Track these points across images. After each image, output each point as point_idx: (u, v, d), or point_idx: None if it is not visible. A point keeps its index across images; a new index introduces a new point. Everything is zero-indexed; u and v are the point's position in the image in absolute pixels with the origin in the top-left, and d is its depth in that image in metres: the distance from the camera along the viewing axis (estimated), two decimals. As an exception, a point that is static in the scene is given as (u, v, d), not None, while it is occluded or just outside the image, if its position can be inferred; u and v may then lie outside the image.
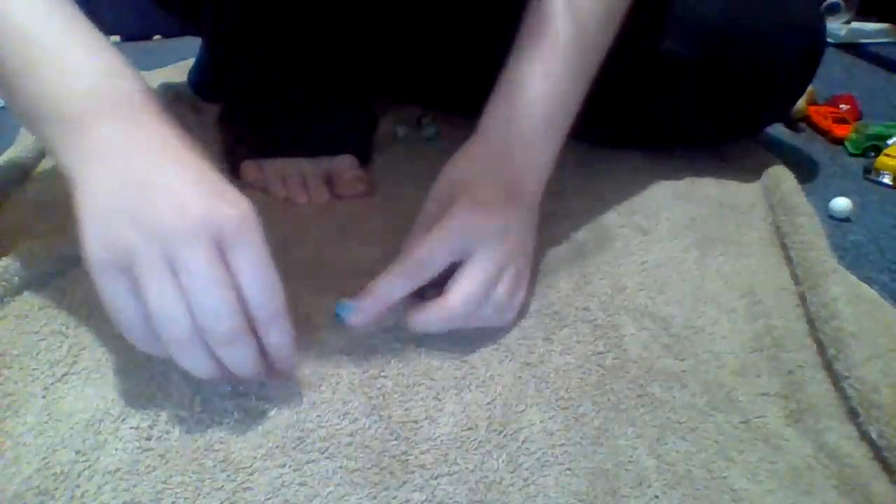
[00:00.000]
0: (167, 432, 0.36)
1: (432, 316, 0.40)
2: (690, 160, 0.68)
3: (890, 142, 0.69)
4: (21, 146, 0.65)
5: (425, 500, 0.33)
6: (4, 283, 0.45)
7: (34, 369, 0.40)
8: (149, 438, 0.36)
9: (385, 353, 0.42)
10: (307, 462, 0.35)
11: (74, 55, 0.35)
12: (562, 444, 0.36)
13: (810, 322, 0.45)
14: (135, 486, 0.33)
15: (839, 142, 0.75)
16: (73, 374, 0.40)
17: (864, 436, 0.37)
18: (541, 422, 0.37)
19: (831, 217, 0.60)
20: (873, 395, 0.37)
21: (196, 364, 0.33)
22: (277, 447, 0.36)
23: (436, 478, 0.34)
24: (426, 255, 0.41)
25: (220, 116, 0.71)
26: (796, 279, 0.49)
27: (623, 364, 0.42)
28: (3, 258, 0.47)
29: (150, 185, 0.32)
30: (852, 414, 0.38)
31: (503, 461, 0.35)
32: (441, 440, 0.36)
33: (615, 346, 0.43)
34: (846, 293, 0.44)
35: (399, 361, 0.41)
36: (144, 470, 0.34)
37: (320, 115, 0.65)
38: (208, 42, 0.80)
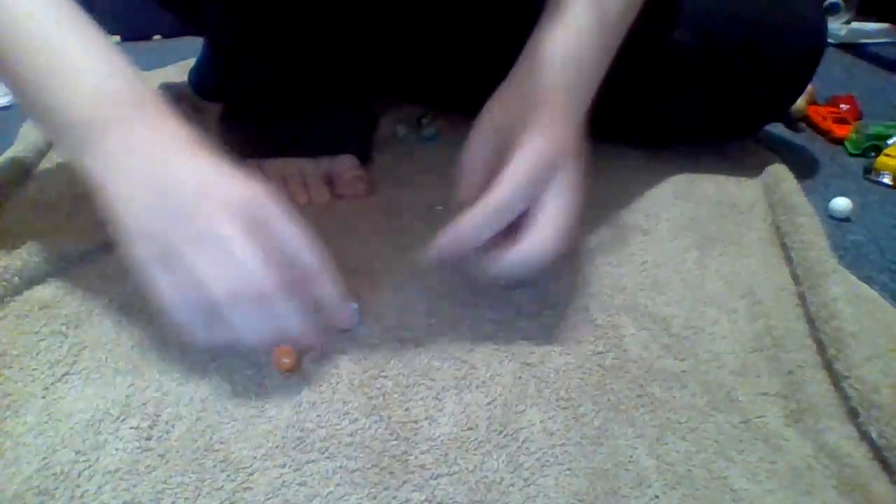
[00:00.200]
0: (167, 432, 0.36)
1: (526, 256, 0.39)
2: (690, 160, 0.68)
3: (890, 142, 0.69)
4: (21, 146, 0.65)
5: (425, 500, 0.33)
6: (4, 283, 0.45)
7: (34, 369, 0.40)
8: (149, 438, 0.36)
9: (385, 353, 0.42)
10: (307, 462, 0.35)
11: (86, 60, 0.36)
12: (562, 444, 0.36)
13: (810, 322, 0.45)
14: (135, 486, 0.33)
15: (839, 142, 0.75)
16: (73, 374, 0.40)
17: (864, 436, 0.37)
18: (541, 422, 0.37)
19: (831, 217, 0.59)
20: (873, 395, 0.37)
21: (252, 324, 0.34)
22: (277, 447, 0.36)
23: (436, 478, 0.34)
24: (509, 197, 0.39)
25: (220, 116, 0.71)
26: (796, 279, 0.49)
27: (623, 364, 0.42)
28: (3, 258, 0.47)
29: (175, 179, 0.35)
30: (852, 414, 0.38)
31: (503, 461, 0.35)
32: (441, 440, 0.36)
33: (615, 346, 0.43)
34: (846, 293, 0.44)
35: (399, 361, 0.41)
36: (144, 470, 0.34)
37: (321, 115, 0.65)
38: (209, 42, 0.80)
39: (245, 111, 0.68)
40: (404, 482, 0.34)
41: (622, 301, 0.47)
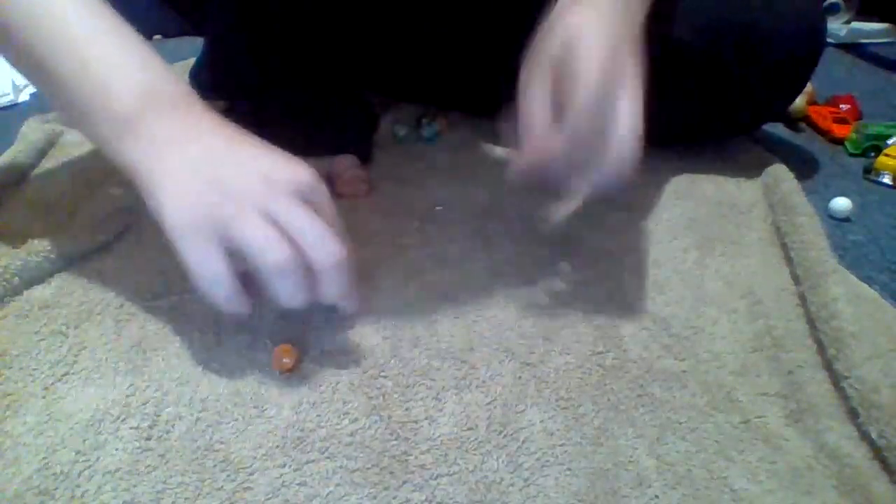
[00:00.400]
0: (167, 432, 0.36)
1: (616, 162, 0.40)
2: (690, 160, 0.68)
3: (890, 142, 0.69)
4: (21, 146, 0.65)
5: (425, 500, 0.33)
6: (4, 283, 0.45)
7: (34, 369, 0.40)
8: (149, 438, 0.36)
9: (385, 353, 0.42)
10: (307, 462, 0.35)
11: (125, 59, 0.38)
12: (562, 444, 0.36)
13: (810, 322, 0.45)
14: (135, 486, 0.33)
15: (839, 142, 0.75)
16: (73, 374, 0.40)
17: (864, 436, 0.37)
18: (541, 422, 0.37)
19: (831, 217, 0.59)
20: (873, 395, 0.37)
21: (294, 292, 0.36)
22: (277, 447, 0.36)
23: (436, 478, 0.34)
24: (592, 99, 0.40)
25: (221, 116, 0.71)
26: (796, 279, 0.49)
27: (623, 364, 0.42)
28: (3, 258, 0.47)
29: (226, 158, 0.36)
30: (852, 414, 0.38)
31: (503, 461, 0.35)
32: (441, 440, 0.36)
33: (615, 346, 0.43)
34: (846, 293, 0.44)
35: (399, 361, 0.41)
36: (144, 470, 0.34)
37: (321, 114, 0.65)
38: (211, 40, 0.80)
39: (246, 111, 0.68)
40: (404, 482, 0.34)
41: (622, 301, 0.47)
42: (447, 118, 0.75)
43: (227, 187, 0.35)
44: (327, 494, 0.33)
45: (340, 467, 0.35)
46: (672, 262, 0.52)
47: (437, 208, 0.58)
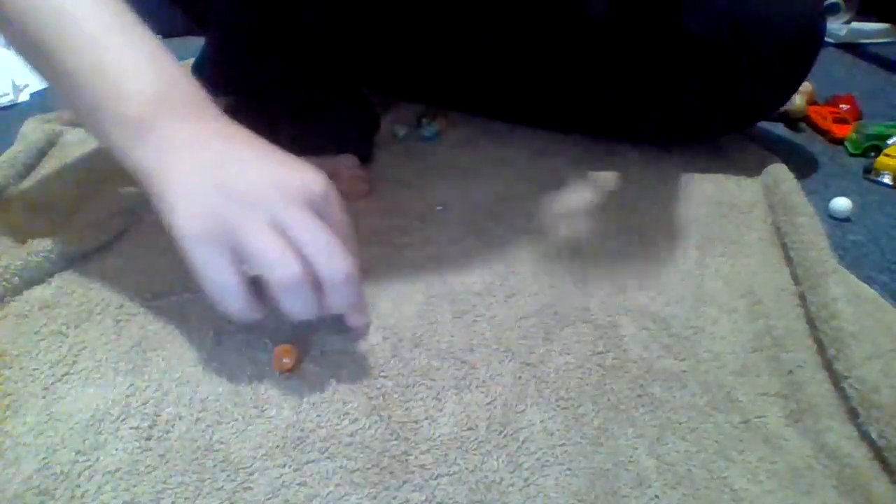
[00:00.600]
0: (167, 432, 0.36)
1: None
2: (690, 160, 0.68)
3: (890, 142, 0.69)
4: (21, 146, 0.65)
5: (425, 500, 0.33)
6: (4, 283, 0.45)
7: (34, 369, 0.40)
8: (149, 438, 0.36)
9: (385, 353, 0.42)
10: (307, 462, 0.35)
11: (138, 60, 0.37)
12: (562, 444, 0.36)
13: (810, 322, 0.45)
14: (135, 486, 0.33)
15: (839, 142, 0.75)
16: (73, 374, 0.40)
17: (864, 436, 0.37)
18: (541, 422, 0.37)
19: (831, 217, 0.59)
20: (873, 395, 0.37)
21: (303, 305, 0.36)
22: (277, 447, 0.36)
23: (436, 478, 0.34)
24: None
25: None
26: (796, 279, 0.49)
27: (623, 364, 0.42)
28: (3, 258, 0.47)
29: (237, 165, 0.36)
30: (852, 414, 0.38)
31: (503, 461, 0.35)
32: (441, 440, 0.36)
33: (615, 346, 0.43)
34: (846, 293, 0.44)
35: (399, 361, 0.41)
36: (144, 470, 0.34)
37: (322, 114, 0.65)
38: (213, 37, 0.80)
39: (246, 110, 0.68)
40: (404, 482, 0.34)
41: (622, 301, 0.47)
42: (447, 118, 0.75)
43: (237, 194, 0.34)
44: (327, 494, 0.33)
45: (340, 467, 0.35)
46: (672, 262, 0.52)
47: (437, 208, 0.58)
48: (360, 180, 0.63)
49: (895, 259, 0.54)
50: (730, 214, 0.59)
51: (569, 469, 0.35)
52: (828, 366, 0.41)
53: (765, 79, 0.63)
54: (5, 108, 0.82)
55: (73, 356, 0.41)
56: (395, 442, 0.36)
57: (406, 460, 0.35)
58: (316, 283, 0.35)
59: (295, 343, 0.41)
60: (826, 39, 1.17)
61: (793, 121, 0.80)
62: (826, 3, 1.16)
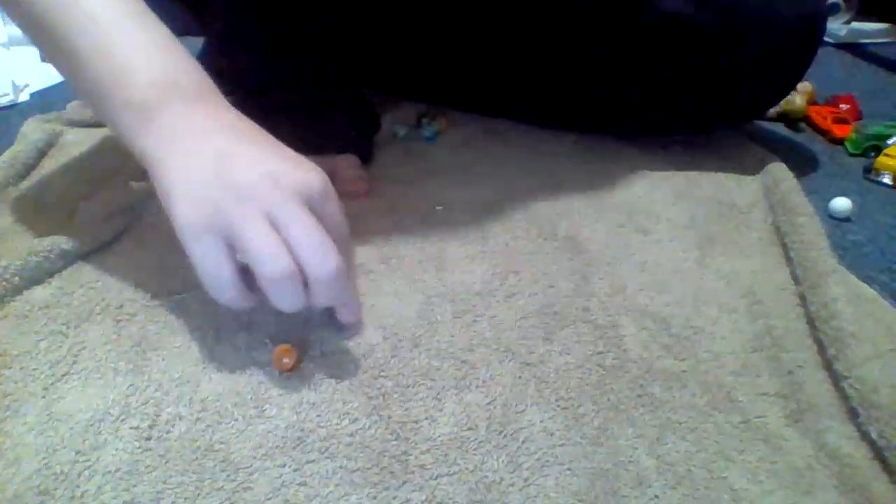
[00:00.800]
0: (167, 432, 0.36)
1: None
2: (690, 160, 0.68)
3: (890, 142, 0.69)
4: (21, 146, 0.65)
5: (425, 500, 0.33)
6: (4, 283, 0.45)
7: (34, 369, 0.40)
8: (149, 438, 0.36)
9: (385, 353, 0.42)
10: (307, 462, 0.35)
11: (147, 45, 0.38)
12: (562, 444, 0.36)
13: (810, 322, 0.45)
14: (135, 486, 0.33)
15: (839, 142, 0.75)
16: (73, 374, 0.40)
17: (864, 436, 0.37)
18: (541, 422, 0.37)
19: (831, 217, 0.59)
20: (873, 395, 0.37)
21: (291, 300, 0.36)
22: (277, 447, 0.36)
23: (436, 478, 0.34)
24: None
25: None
26: (796, 279, 0.49)
27: (623, 364, 0.42)
28: (3, 258, 0.47)
29: (238, 157, 0.36)
30: (852, 414, 0.38)
31: (503, 461, 0.35)
32: (441, 440, 0.36)
33: (615, 346, 0.43)
34: (846, 293, 0.44)
35: (399, 361, 0.41)
36: (144, 470, 0.34)
37: (323, 113, 0.65)
38: (213, 36, 0.79)
39: (247, 109, 0.68)
40: (404, 482, 0.34)
41: (622, 301, 0.47)
42: (447, 117, 0.75)
43: (235, 186, 0.35)
44: (327, 494, 0.33)
45: (340, 467, 0.35)
46: (672, 262, 0.52)
47: (437, 208, 0.58)
48: (360, 180, 0.63)
49: (895, 259, 0.54)
50: (730, 214, 0.59)
51: (569, 469, 0.35)
52: (828, 366, 0.41)
53: (764, 74, 0.63)
54: (5, 108, 0.82)
55: (73, 356, 0.41)
56: (395, 442, 0.36)
57: (406, 460, 0.35)
58: (304, 278, 0.36)
59: (295, 343, 0.41)
60: (826, 39, 1.17)
61: (793, 121, 0.80)
62: (826, 2, 1.16)
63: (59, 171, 0.64)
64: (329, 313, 0.43)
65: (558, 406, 0.39)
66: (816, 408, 0.39)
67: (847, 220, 0.59)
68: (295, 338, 0.43)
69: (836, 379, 0.40)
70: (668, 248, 0.54)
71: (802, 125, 0.80)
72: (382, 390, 0.39)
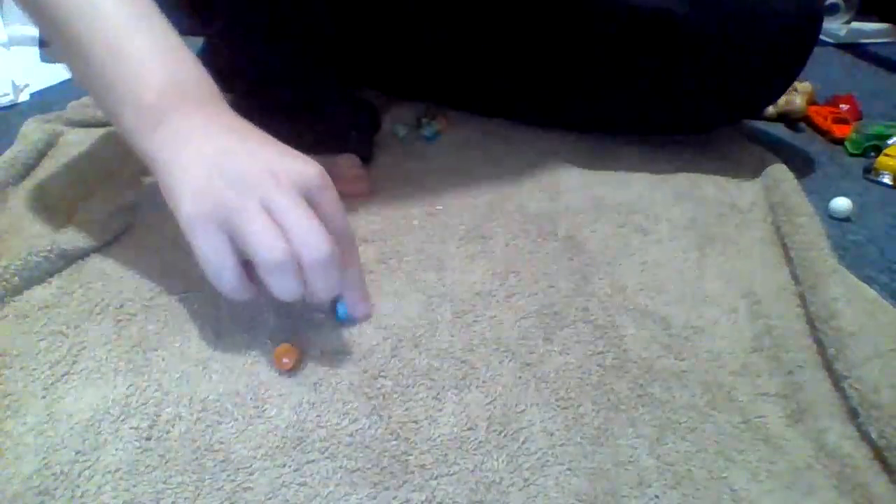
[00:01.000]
0: (167, 432, 0.36)
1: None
2: (690, 160, 0.68)
3: (890, 142, 0.69)
4: (21, 146, 0.65)
5: (425, 500, 0.33)
6: (4, 283, 0.45)
7: (34, 369, 0.40)
8: (149, 438, 0.36)
9: (385, 353, 0.42)
10: (307, 462, 0.35)
11: (156, 51, 0.39)
12: (562, 444, 0.36)
13: (810, 322, 0.45)
14: (135, 486, 0.33)
15: (839, 142, 0.75)
16: (73, 374, 0.40)
17: (864, 436, 0.37)
18: (541, 422, 0.37)
19: (831, 217, 0.59)
20: (873, 395, 0.37)
21: (288, 287, 0.37)
22: (277, 447, 0.36)
23: (436, 478, 0.34)
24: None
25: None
26: (796, 279, 0.49)
27: (623, 364, 0.42)
28: (3, 258, 0.47)
29: (237, 153, 0.37)
30: (852, 414, 0.38)
31: (503, 461, 0.35)
32: (441, 440, 0.36)
33: (615, 346, 0.43)
34: (846, 293, 0.44)
35: (399, 361, 0.41)
36: (144, 470, 0.34)
37: (323, 113, 0.65)
38: (216, 36, 0.79)
39: (247, 108, 0.68)
40: (404, 482, 0.34)
41: (622, 301, 0.47)
42: (447, 117, 0.75)
43: (234, 179, 0.36)
44: (327, 494, 0.33)
45: (340, 467, 0.35)
46: (672, 262, 0.52)
47: (437, 208, 0.58)
48: (360, 180, 0.63)
49: (895, 259, 0.54)
50: (730, 214, 0.59)
51: (569, 469, 0.35)
52: (828, 366, 0.41)
53: (761, 71, 0.63)
54: (5, 108, 0.82)
55: (73, 356, 0.41)
56: (395, 442, 0.36)
57: (406, 460, 0.35)
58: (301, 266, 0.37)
59: (295, 343, 0.41)
60: (826, 39, 1.17)
61: (793, 121, 0.80)
62: (826, 2, 1.16)
63: (59, 171, 0.64)
64: (332, 307, 0.44)
65: (558, 406, 0.39)
66: (816, 408, 0.39)
67: (847, 220, 0.59)
68: (295, 338, 0.43)
69: (836, 379, 0.40)
70: (668, 248, 0.54)
71: (802, 125, 0.80)
72: (382, 390, 0.39)
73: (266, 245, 0.35)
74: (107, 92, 0.39)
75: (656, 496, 0.33)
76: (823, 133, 0.77)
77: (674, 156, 0.69)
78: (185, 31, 0.43)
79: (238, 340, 0.42)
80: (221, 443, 0.36)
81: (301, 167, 0.38)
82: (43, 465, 0.34)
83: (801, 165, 0.69)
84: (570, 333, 0.44)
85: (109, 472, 0.34)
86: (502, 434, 0.37)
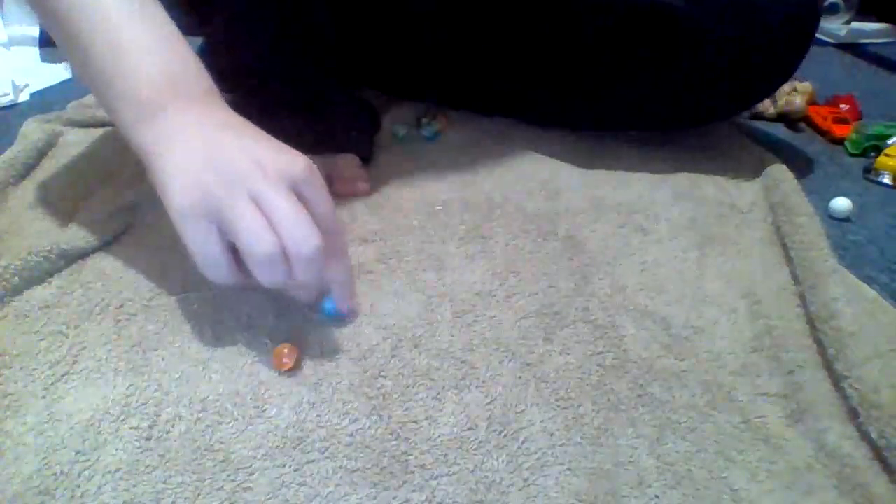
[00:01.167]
0: (167, 432, 0.36)
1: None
2: (690, 160, 0.68)
3: (890, 142, 0.69)
4: (21, 146, 0.65)
5: (425, 500, 0.33)
6: (4, 283, 0.45)
7: (34, 369, 0.40)
8: (149, 438, 0.36)
9: (385, 353, 0.42)
10: (307, 462, 0.35)
11: (154, 44, 0.40)
12: (562, 444, 0.36)
13: (810, 322, 0.45)
14: (135, 486, 0.33)
15: (839, 142, 0.75)
16: (73, 374, 0.40)
17: (864, 436, 0.37)
18: (541, 422, 0.37)
19: (831, 217, 0.59)
20: (873, 395, 0.37)
21: (275, 277, 0.37)
22: (277, 447, 0.36)
23: (436, 478, 0.34)
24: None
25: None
26: (796, 279, 0.49)
27: (623, 364, 0.42)
28: (3, 258, 0.47)
29: (227, 146, 0.38)
30: (852, 414, 0.38)
31: (503, 461, 0.35)
32: (441, 440, 0.36)
33: (615, 346, 0.43)
34: (846, 293, 0.44)
35: (399, 361, 0.41)
36: (144, 470, 0.34)
37: (323, 113, 0.65)
38: (216, 35, 0.79)
39: (247, 108, 0.68)
40: (404, 482, 0.34)
41: (622, 301, 0.47)
42: (447, 117, 0.75)
43: (223, 171, 0.37)
44: (327, 494, 0.33)
45: (340, 467, 0.35)
46: (672, 262, 0.52)
47: (437, 208, 0.58)
48: (360, 180, 0.63)
49: (895, 259, 0.54)
50: (730, 214, 0.59)
51: (569, 469, 0.35)
52: (828, 366, 0.41)
53: (758, 66, 0.63)
54: (5, 108, 0.82)
55: (73, 356, 0.41)
56: (395, 442, 0.36)
57: (406, 460, 0.35)
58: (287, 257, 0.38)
59: (295, 343, 0.41)
60: (826, 39, 1.17)
61: (793, 121, 0.80)
62: (826, 2, 1.16)
63: (59, 171, 0.64)
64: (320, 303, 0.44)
65: (558, 406, 0.39)
66: (816, 408, 0.39)
67: (847, 220, 0.59)
68: (295, 338, 0.43)
69: (836, 379, 0.40)
70: (668, 248, 0.54)
71: (802, 125, 0.80)
72: (382, 390, 0.39)
73: (254, 237, 0.36)
74: (105, 86, 0.40)
75: (656, 496, 0.33)
76: (823, 133, 0.77)
77: (674, 156, 0.69)
78: (183, 30, 0.43)
79: (238, 340, 0.42)
80: (221, 443, 0.36)
81: (290, 160, 0.38)
82: (43, 465, 0.34)
83: (801, 165, 0.69)
84: (570, 333, 0.44)
85: (109, 472, 0.34)
86: (502, 434, 0.37)
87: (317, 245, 0.37)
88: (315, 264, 0.38)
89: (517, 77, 0.72)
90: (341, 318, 0.44)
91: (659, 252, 0.53)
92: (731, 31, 0.61)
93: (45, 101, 0.83)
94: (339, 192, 0.62)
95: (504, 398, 0.39)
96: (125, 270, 0.49)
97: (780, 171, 0.62)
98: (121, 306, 0.45)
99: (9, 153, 0.64)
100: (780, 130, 0.79)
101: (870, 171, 0.67)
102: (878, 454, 0.36)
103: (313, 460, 0.35)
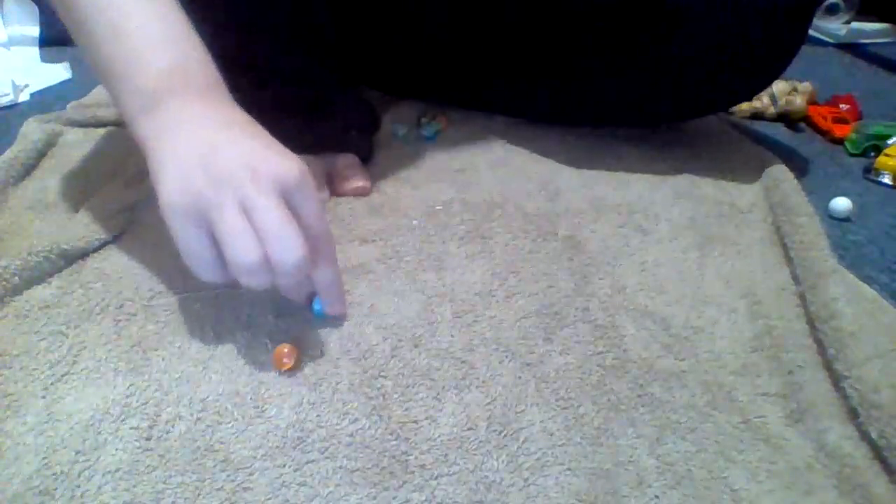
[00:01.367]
0: (167, 432, 0.36)
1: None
2: (690, 160, 0.68)
3: (890, 142, 0.69)
4: (21, 146, 0.65)
5: (425, 500, 0.33)
6: (4, 283, 0.45)
7: (34, 369, 0.40)
8: (149, 438, 0.36)
9: (385, 353, 0.42)
10: (307, 462, 0.35)
11: (161, 35, 0.40)
12: (562, 444, 0.36)
13: (810, 322, 0.45)
14: (135, 486, 0.33)
15: (839, 142, 0.75)
16: (73, 374, 0.40)
17: (864, 436, 0.37)
18: (541, 422, 0.38)
19: (831, 217, 0.59)
20: (873, 395, 0.37)
21: (258, 282, 0.37)
22: (277, 447, 0.36)
23: (436, 478, 0.34)
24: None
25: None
26: (796, 279, 0.49)
27: (623, 364, 0.42)
28: (3, 258, 0.47)
29: (222, 147, 0.37)
30: (852, 414, 0.38)
31: (503, 461, 0.35)
32: (441, 440, 0.36)
33: (615, 346, 0.43)
34: (846, 293, 0.44)
35: (399, 361, 0.41)
36: (144, 470, 0.34)
37: (323, 113, 0.65)
38: (213, 33, 0.79)
39: (247, 108, 0.67)
40: (404, 482, 0.34)
41: (622, 301, 0.47)
42: (447, 117, 0.75)
43: (214, 173, 0.36)
44: (327, 494, 0.33)
45: (340, 467, 0.35)
46: (672, 262, 0.52)
47: (437, 208, 0.58)
48: (361, 180, 0.63)
49: (895, 259, 0.54)
50: (730, 214, 0.59)
51: (569, 469, 0.35)
52: (828, 366, 0.41)
53: (752, 59, 0.62)
54: (5, 108, 0.82)
55: (73, 356, 0.41)
56: (395, 442, 0.36)
57: (406, 460, 0.35)
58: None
59: (295, 343, 0.41)
60: (826, 39, 1.17)
61: (793, 121, 0.80)
62: (826, 2, 1.16)
63: (59, 171, 0.64)
64: (310, 299, 0.44)
65: (558, 406, 0.39)
66: (816, 408, 0.39)
67: (847, 220, 0.59)
68: (295, 338, 0.43)
69: (836, 379, 0.40)
70: (668, 248, 0.54)
71: (802, 125, 0.80)
72: (382, 390, 0.39)
73: (238, 247, 0.36)
74: (110, 73, 0.40)
75: (656, 496, 0.33)
76: (823, 133, 0.77)
77: (674, 156, 0.69)
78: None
79: (238, 340, 0.43)
80: (221, 443, 0.36)
81: (284, 165, 0.38)
82: (43, 465, 0.34)
83: (801, 165, 0.69)
84: (570, 333, 0.44)
85: (109, 472, 0.34)
86: (502, 434, 0.37)
87: (301, 256, 0.36)
88: (299, 273, 0.37)
89: (515, 72, 0.72)
90: (335, 318, 0.44)
91: (659, 252, 0.53)
92: (726, 17, 0.60)
93: (45, 101, 0.83)
94: (339, 192, 0.62)
95: (504, 398, 0.39)
96: (125, 270, 0.49)
97: (780, 171, 0.62)
98: (121, 306, 0.45)
99: (9, 153, 0.64)
100: (780, 130, 0.79)
101: (870, 171, 0.67)
102: (878, 454, 0.36)
103: (313, 460, 0.35)
